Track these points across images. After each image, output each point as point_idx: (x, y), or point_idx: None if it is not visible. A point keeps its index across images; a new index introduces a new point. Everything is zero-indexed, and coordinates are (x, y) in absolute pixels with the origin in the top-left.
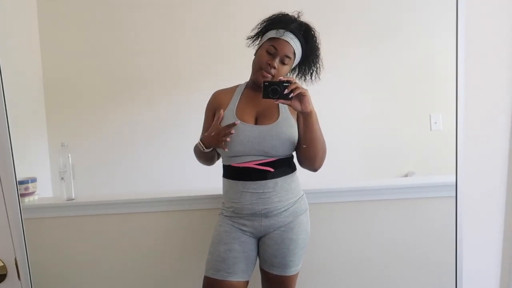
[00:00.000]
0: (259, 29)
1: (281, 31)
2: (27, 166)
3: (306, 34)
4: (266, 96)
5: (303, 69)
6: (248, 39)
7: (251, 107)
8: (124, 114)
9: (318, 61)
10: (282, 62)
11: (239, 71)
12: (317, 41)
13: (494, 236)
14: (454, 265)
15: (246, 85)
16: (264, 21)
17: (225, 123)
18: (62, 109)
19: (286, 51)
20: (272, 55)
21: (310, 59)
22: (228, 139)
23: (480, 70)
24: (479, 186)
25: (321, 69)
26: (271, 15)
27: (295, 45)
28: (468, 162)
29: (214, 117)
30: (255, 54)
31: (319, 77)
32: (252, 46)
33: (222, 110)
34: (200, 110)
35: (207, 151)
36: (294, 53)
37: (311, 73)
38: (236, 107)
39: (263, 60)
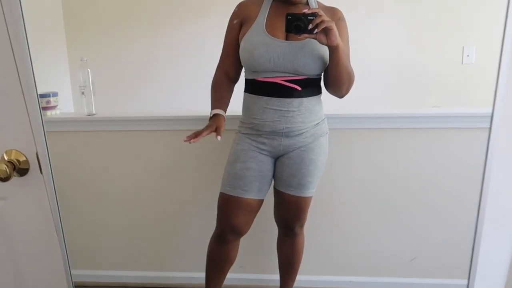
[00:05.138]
0: None
1: None
2: (48, 80)
3: None
4: (289, 30)
5: None
6: None
7: (281, 21)
8: (144, 35)
9: None
10: None
11: None
12: None
13: None
14: (477, 203)
15: None
16: None
17: (254, 37)
18: (81, 25)
19: None
20: None
21: None
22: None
23: None
24: None
25: None
26: None
27: None
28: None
29: (239, 29)
30: None
31: None
32: None
33: (219, 136)
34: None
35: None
36: None
37: None
38: (266, 21)
39: None
